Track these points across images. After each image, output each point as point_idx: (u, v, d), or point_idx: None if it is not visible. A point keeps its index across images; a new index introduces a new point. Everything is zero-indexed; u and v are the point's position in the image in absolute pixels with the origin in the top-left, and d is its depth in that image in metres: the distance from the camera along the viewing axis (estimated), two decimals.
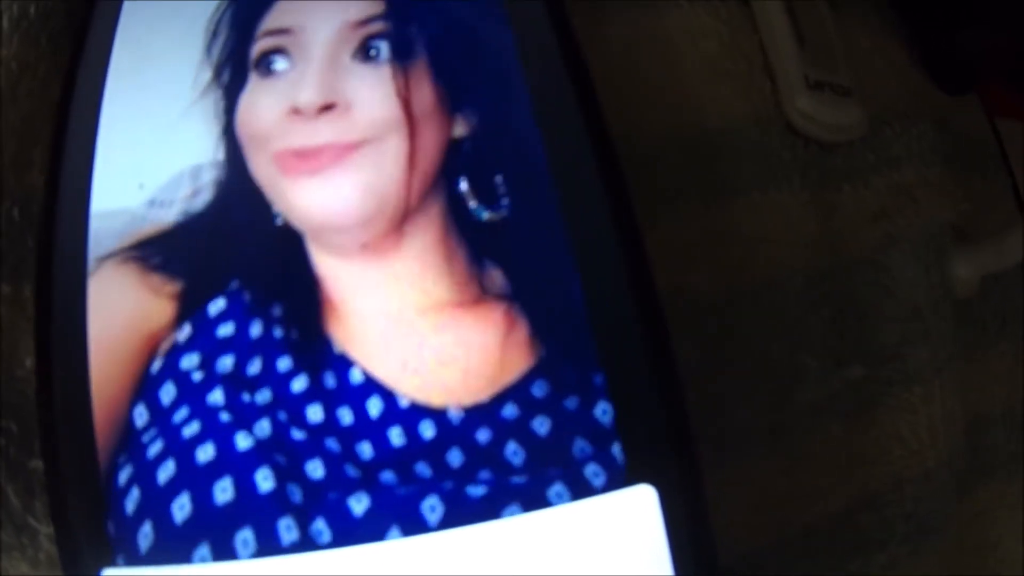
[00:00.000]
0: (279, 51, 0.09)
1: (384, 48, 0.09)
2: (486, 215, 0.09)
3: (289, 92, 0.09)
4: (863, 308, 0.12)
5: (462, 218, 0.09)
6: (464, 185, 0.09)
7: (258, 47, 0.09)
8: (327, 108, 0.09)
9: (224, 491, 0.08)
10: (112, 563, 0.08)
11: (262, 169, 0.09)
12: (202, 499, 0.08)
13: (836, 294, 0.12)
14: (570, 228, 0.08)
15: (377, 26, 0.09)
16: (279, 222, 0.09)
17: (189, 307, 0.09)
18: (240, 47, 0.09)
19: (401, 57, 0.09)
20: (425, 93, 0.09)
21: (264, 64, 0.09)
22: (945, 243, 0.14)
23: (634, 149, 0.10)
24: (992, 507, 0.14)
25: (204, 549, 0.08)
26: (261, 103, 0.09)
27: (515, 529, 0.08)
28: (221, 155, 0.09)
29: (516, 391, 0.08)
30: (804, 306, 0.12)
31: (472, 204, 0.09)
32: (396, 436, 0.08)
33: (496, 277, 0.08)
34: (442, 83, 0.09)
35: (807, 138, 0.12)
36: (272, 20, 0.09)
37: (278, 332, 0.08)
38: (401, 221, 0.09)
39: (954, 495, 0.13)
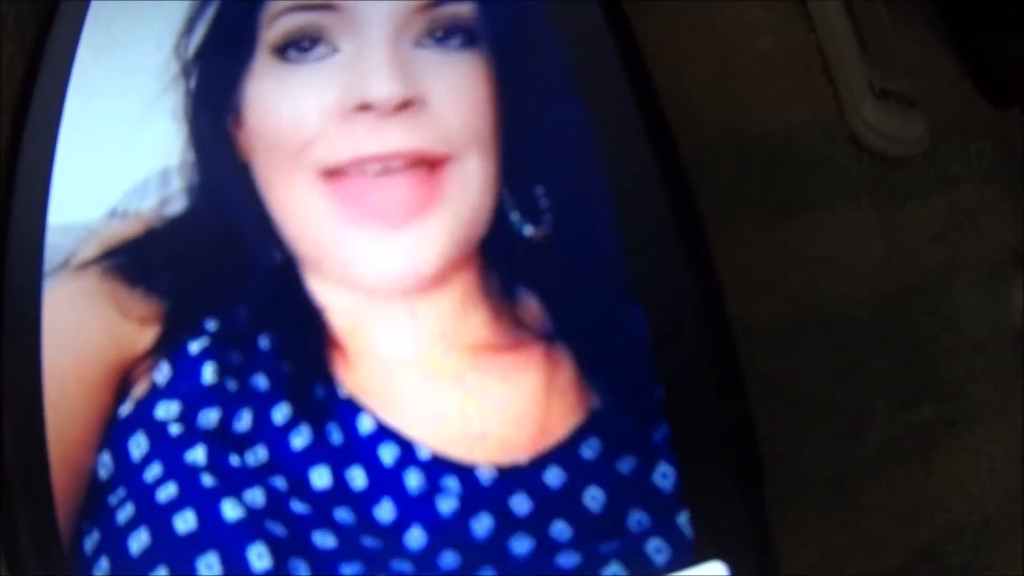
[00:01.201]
0: (318, 32, 0.07)
1: (461, 36, 0.07)
2: (529, 230, 0.07)
3: (345, 82, 0.07)
4: (925, 341, 0.11)
5: (500, 236, 0.07)
6: (506, 195, 0.07)
7: (283, 25, 0.07)
8: (404, 105, 0.07)
9: (209, 568, 0.06)
10: None
11: (293, 197, 0.07)
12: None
13: (903, 325, 0.11)
14: (629, 249, 0.07)
15: (456, 9, 0.07)
16: (276, 258, 0.07)
17: (167, 340, 0.07)
18: (237, 26, 0.07)
19: (482, 45, 0.07)
20: (500, 92, 0.07)
21: (294, 46, 0.07)
22: (1007, 269, 0.13)
23: (690, 159, 0.09)
24: None
25: None
26: (295, 94, 0.07)
27: None
28: (191, 158, 0.07)
29: (562, 452, 0.07)
30: (872, 339, 0.11)
31: (514, 217, 0.07)
32: (414, 481, 0.07)
33: (534, 311, 0.07)
34: (509, 77, 0.07)
35: (871, 151, 0.11)
36: None
37: (272, 377, 0.07)
38: (463, 258, 0.07)
39: (1013, 541, 0.12)
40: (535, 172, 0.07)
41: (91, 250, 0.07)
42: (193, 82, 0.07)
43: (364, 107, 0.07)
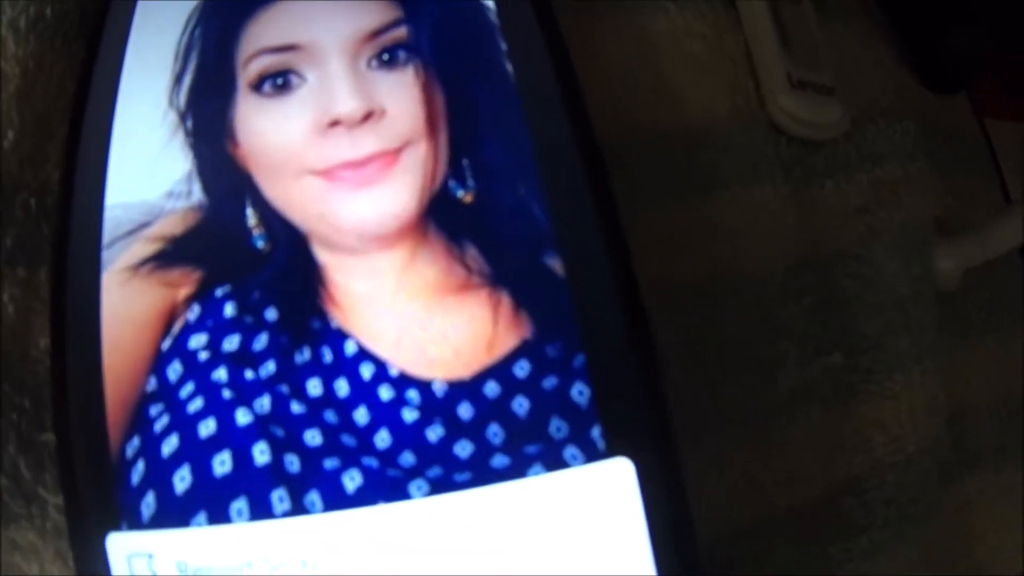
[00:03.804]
0: (287, 69, 0.09)
1: (402, 54, 0.09)
2: (460, 193, 0.09)
3: (316, 106, 0.09)
4: (844, 299, 0.13)
5: (441, 200, 0.09)
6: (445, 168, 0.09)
7: (256, 66, 0.09)
8: (367, 116, 0.09)
9: (222, 464, 0.08)
10: (117, 528, 0.09)
11: (288, 189, 0.09)
12: (201, 471, 0.08)
13: (817, 285, 0.12)
14: (553, 214, 0.09)
15: (394, 33, 0.09)
16: (260, 245, 0.09)
17: (200, 291, 0.09)
18: (219, 70, 0.09)
19: (419, 61, 0.09)
20: (436, 89, 0.09)
21: (270, 83, 0.09)
22: (928, 237, 0.14)
23: (620, 144, 0.11)
24: (978, 498, 0.14)
25: (201, 516, 0.08)
26: (278, 122, 0.09)
27: (495, 499, 0.08)
28: (201, 180, 0.09)
29: (498, 370, 0.09)
30: (784, 296, 0.12)
31: (450, 184, 0.09)
32: (385, 392, 0.08)
33: (477, 258, 0.09)
34: (444, 79, 0.09)
35: (789, 136, 0.13)
36: (263, 37, 0.09)
37: (282, 312, 0.09)
38: (417, 215, 0.09)
39: (937, 483, 0.13)
40: (465, 148, 0.09)
41: (142, 248, 0.09)
42: (190, 124, 0.09)
43: (335, 122, 0.09)
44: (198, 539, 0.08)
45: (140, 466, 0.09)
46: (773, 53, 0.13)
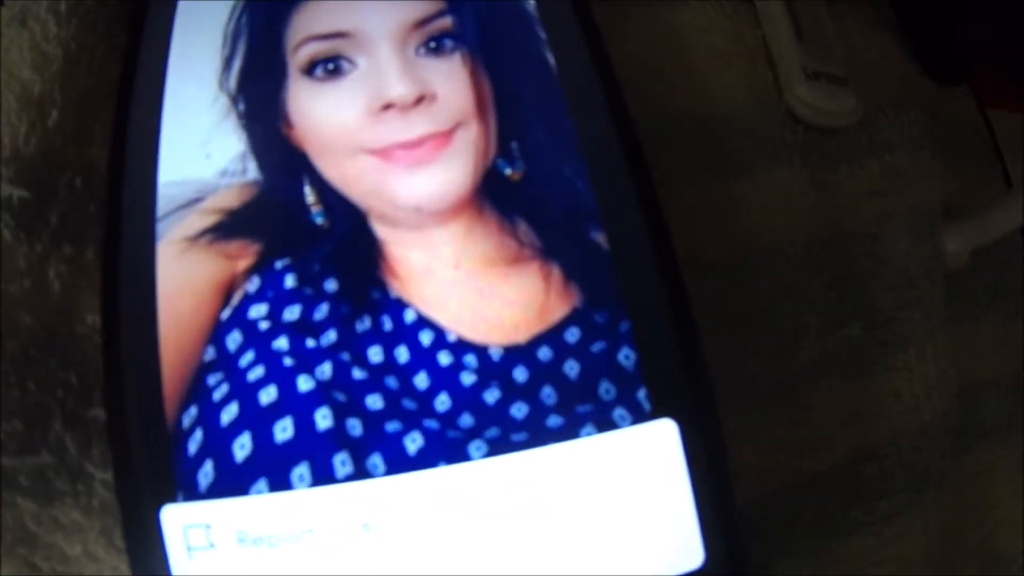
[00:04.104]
0: (337, 55, 0.09)
1: (448, 42, 0.10)
2: (508, 171, 0.09)
3: (369, 90, 0.09)
4: (860, 275, 0.13)
5: (491, 178, 0.09)
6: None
7: (306, 52, 0.09)
8: (419, 100, 0.09)
9: (284, 430, 0.09)
10: (173, 499, 0.09)
11: (344, 167, 0.09)
12: (262, 438, 0.09)
13: (834, 262, 0.13)
14: (597, 191, 0.09)
15: (440, 23, 0.10)
16: (319, 220, 0.09)
17: (259, 263, 0.09)
18: (269, 57, 0.09)
19: (466, 49, 0.10)
20: (484, 77, 0.10)
21: (322, 68, 0.09)
22: (935, 219, 0.15)
23: (651, 130, 0.11)
24: (989, 468, 0.15)
25: (262, 483, 0.09)
26: (332, 104, 0.09)
27: (548, 460, 0.09)
28: (256, 159, 0.09)
29: (551, 335, 0.09)
30: (805, 271, 0.13)
31: (499, 163, 0.09)
32: (444, 358, 0.09)
33: (528, 232, 0.09)
34: (489, 66, 0.10)
35: (806, 123, 0.14)
36: (312, 24, 0.10)
37: (342, 283, 0.09)
38: (470, 193, 0.09)
39: (950, 451, 0.13)
40: (512, 131, 0.10)
41: (198, 220, 0.09)
42: (242, 107, 0.10)
43: (388, 106, 0.09)
44: (258, 506, 0.08)
45: (198, 435, 0.09)
46: (789, 46, 0.14)
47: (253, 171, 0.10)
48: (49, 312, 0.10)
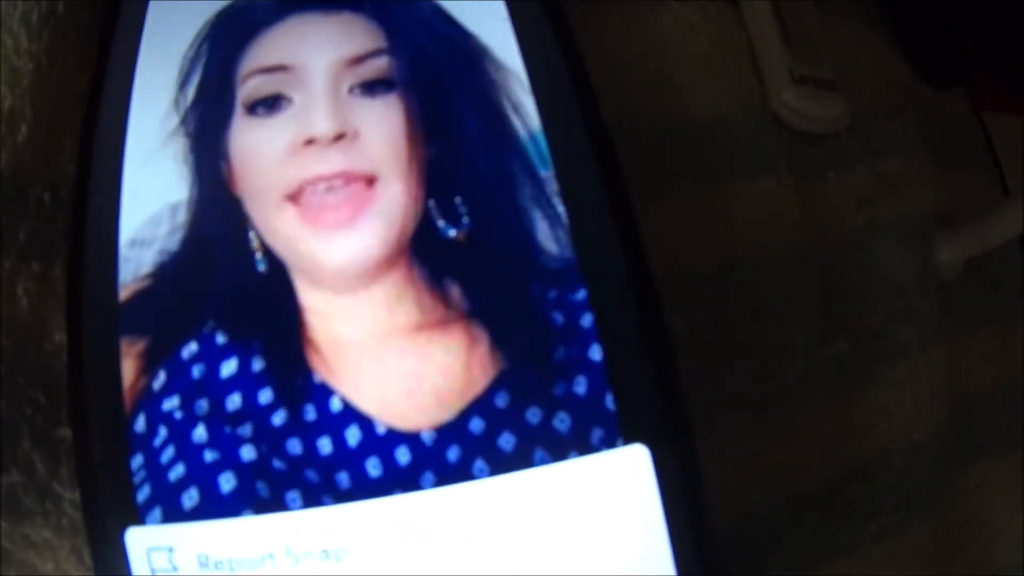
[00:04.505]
0: (275, 90, 0.09)
1: (382, 84, 0.09)
2: (452, 232, 0.09)
3: (296, 126, 0.09)
4: (848, 288, 0.13)
5: (428, 238, 0.09)
6: (432, 205, 0.09)
7: (249, 87, 0.09)
8: (339, 137, 0.09)
9: (227, 482, 0.08)
10: (137, 522, 0.09)
11: (271, 216, 0.09)
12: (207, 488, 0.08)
13: (821, 274, 0.13)
14: (568, 201, 0.09)
15: (376, 62, 0.09)
16: (261, 268, 0.09)
17: (160, 355, 0.09)
18: (220, 85, 0.09)
19: (400, 90, 0.09)
20: (418, 122, 0.09)
21: (260, 104, 0.09)
22: (928, 228, 0.14)
23: (630, 137, 0.11)
24: (982, 484, 0.14)
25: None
26: (263, 142, 0.09)
27: (511, 488, 0.08)
28: (194, 195, 0.09)
29: (480, 404, 0.08)
30: (790, 285, 0.12)
31: (440, 223, 0.09)
32: (373, 467, 0.08)
33: (456, 295, 0.09)
34: (429, 110, 0.09)
35: (792, 129, 0.13)
36: (260, 57, 0.09)
37: (258, 365, 0.09)
38: (397, 253, 0.09)
39: (942, 470, 0.13)
40: (455, 186, 0.09)
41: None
42: (191, 131, 0.09)
43: (310, 141, 0.09)
44: (220, 531, 0.08)
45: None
46: (775, 49, 0.13)
47: (161, 237, 0.09)
48: (17, 329, 0.10)
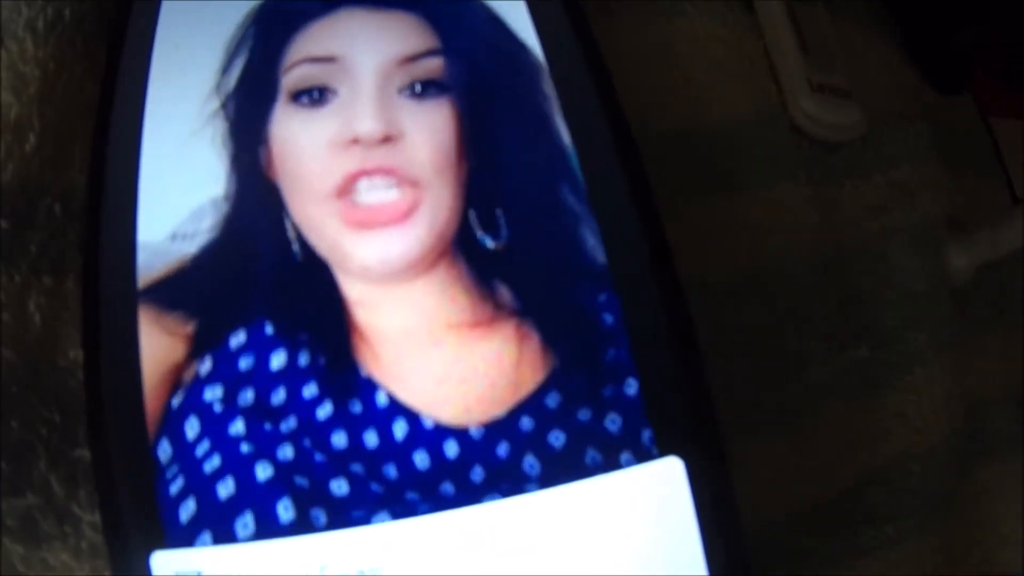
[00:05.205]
0: (322, 81, 0.09)
1: (434, 88, 0.09)
2: (490, 243, 0.09)
3: (341, 122, 0.09)
4: (865, 295, 0.13)
5: (470, 245, 0.09)
6: (473, 215, 0.09)
7: (295, 75, 0.09)
8: (386, 139, 0.09)
9: (245, 527, 0.08)
10: (162, 545, 0.08)
11: (312, 207, 0.09)
12: (223, 535, 0.08)
13: (840, 281, 0.13)
14: (599, 218, 0.09)
15: (428, 63, 0.09)
16: (298, 258, 0.09)
17: (208, 341, 0.09)
18: (265, 72, 0.09)
19: (451, 94, 0.09)
20: (465, 130, 0.09)
21: (305, 94, 0.09)
22: (941, 235, 0.14)
23: (647, 147, 0.11)
24: (993, 487, 0.15)
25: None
26: (306, 133, 0.09)
27: (551, 503, 0.08)
28: (233, 187, 0.09)
29: (531, 403, 0.08)
30: (810, 293, 0.12)
31: (479, 234, 0.09)
32: (420, 459, 0.08)
33: (506, 296, 0.09)
34: (475, 117, 0.09)
35: (810, 138, 0.13)
36: (310, 46, 0.09)
37: (304, 360, 0.09)
38: (439, 254, 0.09)
39: (956, 473, 0.13)
40: (496, 198, 0.09)
41: (143, 282, 0.09)
42: (231, 116, 0.09)
43: (355, 141, 0.09)
44: (248, 554, 0.08)
45: (188, 504, 0.08)
46: (793, 57, 0.13)
47: (204, 231, 0.09)
48: (30, 346, 0.10)
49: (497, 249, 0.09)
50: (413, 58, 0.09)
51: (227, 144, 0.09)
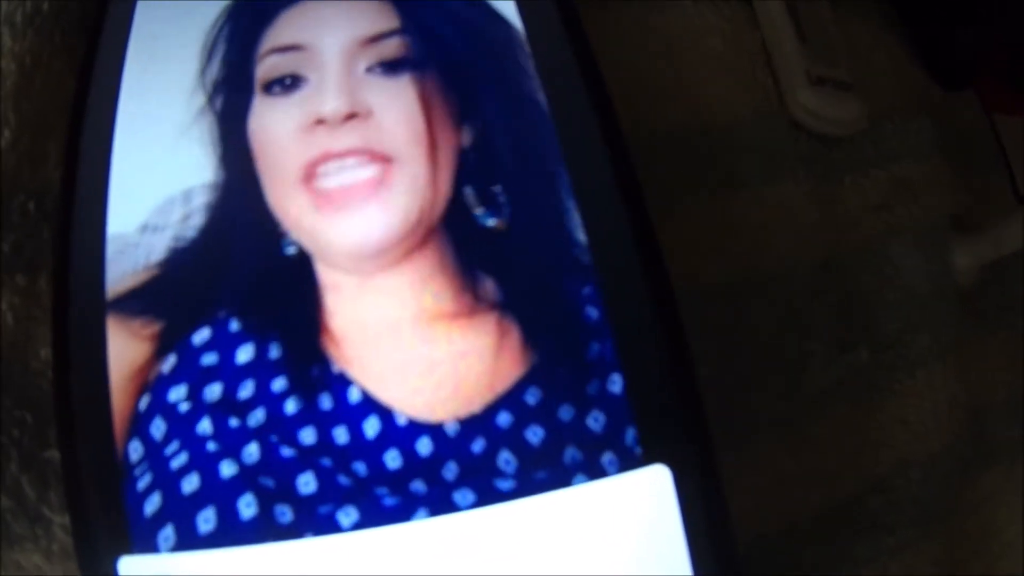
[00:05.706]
0: (291, 69, 0.09)
1: (399, 64, 0.09)
2: (491, 222, 0.09)
3: (307, 105, 0.09)
4: (866, 295, 0.13)
5: (462, 226, 0.09)
6: (470, 193, 0.09)
7: (266, 66, 0.09)
8: (351, 116, 0.09)
9: (207, 522, 0.08)
10: (129, 551, 0.08)
11: (286, 198, 0.09)
12: (186, 529, 0.08)
13: (840, 282, 0.12)
14: (585, 216, 0.09)
15: (392, 42, 0.09)
16: (290, 251, 0.09)
17: (172, 341, 0.08)
18: (241, 66, 0.09)
19: (417, 70, 0.09)
20: (440, 105, 0.09)
21: (276, 84, 0.09)
22: (945, 233, 0.14)
23: (641, 144, 0.11)
24: (996, 493, 0.14)
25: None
26: (277, 121, 0.09)
27: (531, 511, 0.08)
28: (219, 178, 0.09)
29: (509, 399, 0.08)
30: (810, 294, 0.12)
31: (478, 211, 0.09)
32: (392, 457, 0.08)
33: (489, 287, 0.09)
34: (453, 93, 0.09)
35: (809, 132, 0.13)
36: (277, 37, 0.09)
37: (275, 353, 0.08)
38: (420, 238, 0.09)
39: (957, 480, 0.13)
40: (494, 175, 0.09)
41: (112, 292, 0.09)
42: (214, 111, 0.09)
43: (320, 121, 0.09)
44: (214, 560, 0.08)
45: (149, 482, 0.08)
46: (791, 49, 0.13)
47: (173, 225, 0.09)
48: (2, 346, 0.10)
49: (497, 227, 0.09)
50: (376, 38, 0.09)
51: (211, 139, 0.09)
